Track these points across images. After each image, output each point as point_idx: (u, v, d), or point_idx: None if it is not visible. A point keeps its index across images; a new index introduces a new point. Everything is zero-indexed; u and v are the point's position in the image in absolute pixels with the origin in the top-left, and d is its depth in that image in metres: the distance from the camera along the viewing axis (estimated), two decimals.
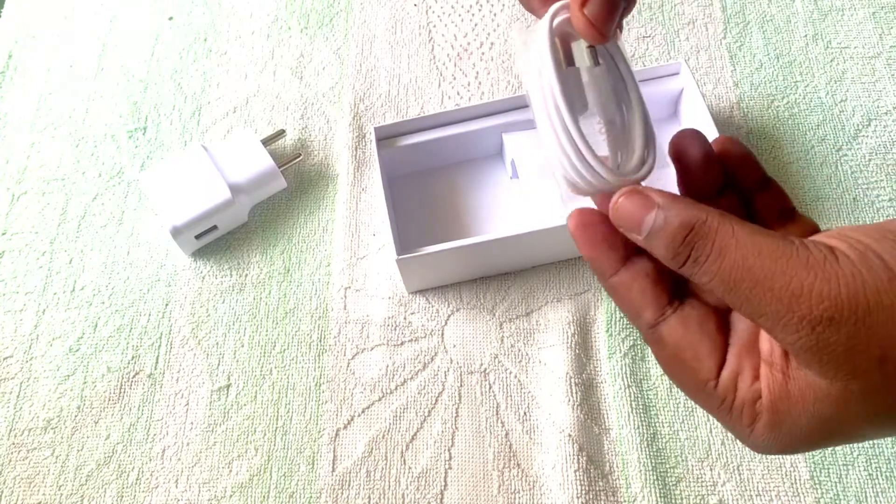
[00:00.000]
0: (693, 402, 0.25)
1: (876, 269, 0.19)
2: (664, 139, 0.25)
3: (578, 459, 0.37)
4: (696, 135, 0.25)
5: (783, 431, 0.21)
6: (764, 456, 0.37)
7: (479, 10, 0.52)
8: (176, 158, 0.43)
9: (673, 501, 0.36)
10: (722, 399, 0.22)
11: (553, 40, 0.23)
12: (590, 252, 0.23)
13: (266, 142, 0.45)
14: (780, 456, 0.37)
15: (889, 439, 0.37)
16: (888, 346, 0.18)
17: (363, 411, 0.39)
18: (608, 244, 0.23)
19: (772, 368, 0.21)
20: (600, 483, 0.36)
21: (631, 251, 0.23)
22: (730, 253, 0.20)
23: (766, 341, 0.22)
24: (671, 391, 0.39)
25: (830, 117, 0.46)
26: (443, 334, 0.41)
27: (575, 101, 0.24)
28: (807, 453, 0.37)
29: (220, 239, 0.45)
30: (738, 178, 0.25)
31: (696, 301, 0.23)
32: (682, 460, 0.37)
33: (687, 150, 0.24)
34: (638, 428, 0.38)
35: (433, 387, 0.39)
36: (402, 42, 0.51)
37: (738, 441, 0.37)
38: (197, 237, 0.43)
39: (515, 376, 0.40)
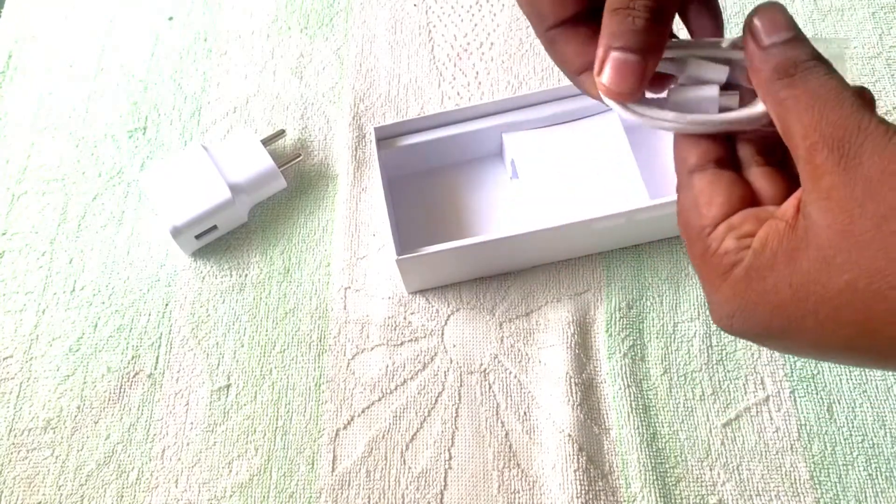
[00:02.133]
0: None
1: None
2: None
3: (578, 459, 0.37)
4: None
5: (757, 279, 0.21)
6: (764, 456, 0.37)
7: (479, 10, 0.52)
8: (176, 158, 0.43)
9: (673, 501, 0.36)
10: (708, 244, 0.23)
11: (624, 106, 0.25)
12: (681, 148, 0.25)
13: (266, 142, 0.45)
14: (781, 456, 0.37)
15: (889, 440, 0.37)
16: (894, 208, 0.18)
17: (363, 411, 0.39)
18: None
19: (778, 221, 0.22)
20: (600, 483, 0.36)
21: None
22: (829, 85, 0.21)
23: (788, 202, 0.22)
24: (670, 391, 0.39)
25: None
26: (443, 334, 0.41)
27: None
28: (805, 452, 0.37)
29: (220, 239, 0.45)
30: None
31: (734, 173, 0.24)
32: (682, 460, 0.37)
33: None
34: (638, 428, 0.38)
35: (433, 387, 0.39)
36: (402, 42, 0.51)
37: (737, 441, 0.37)
38: (197, 237, 0.43)
39: (515, 376, 0.40)
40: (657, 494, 0.36)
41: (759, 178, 0.24)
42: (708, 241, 0.23)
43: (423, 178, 0.45)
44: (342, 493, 0.37)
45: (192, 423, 0.39)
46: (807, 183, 0.21)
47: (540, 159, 0.42)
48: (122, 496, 0.38)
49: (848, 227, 0.19)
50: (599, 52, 0.24)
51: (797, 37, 0.23)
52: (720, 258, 0.23)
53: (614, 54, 0.23)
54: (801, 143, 0.21)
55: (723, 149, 0.25)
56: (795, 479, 0.36)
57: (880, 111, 0.46)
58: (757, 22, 0.23)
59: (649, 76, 0.24)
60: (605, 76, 0.24)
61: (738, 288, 0.22)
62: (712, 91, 0.25)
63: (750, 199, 0.24)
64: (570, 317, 0.40)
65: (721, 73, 0.25)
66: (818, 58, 0.22)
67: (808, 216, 0.20)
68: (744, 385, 0.39)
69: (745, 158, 0.25)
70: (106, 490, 0.38)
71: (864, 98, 0.23)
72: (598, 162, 0.42)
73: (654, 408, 0.38)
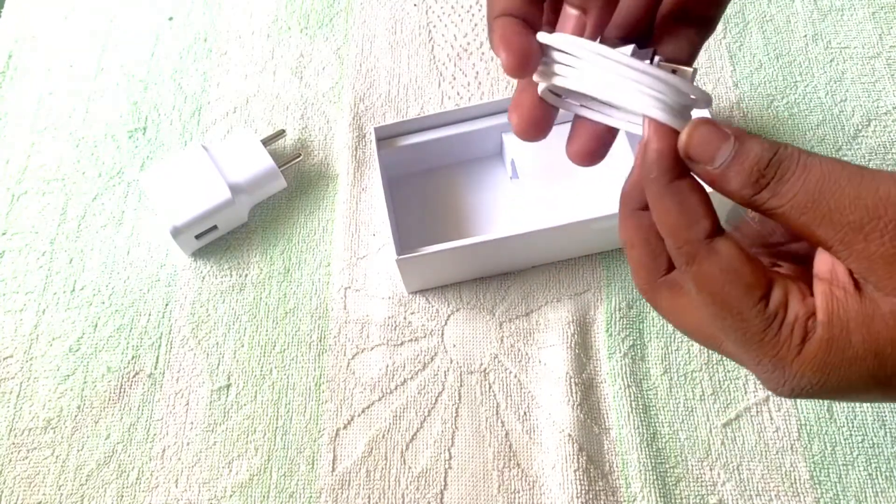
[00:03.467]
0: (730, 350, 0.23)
1: None
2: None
3: (578, 459, 0.37)
4: None
5: (835, 353, 0.21)
6: (764, 456, 0.37)
7: (479, 10, 0.52)
8: (176, 158, 0.43)
9: (673, 501, 0.36)
10: (773, 315, 0.21)
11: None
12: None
13: (266, 142, 0.45)
14: (781, 456, 0.37)
15: (889, 440, 0.37)
16: None
17: (363, 411, 0.39)
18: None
19: (832, 286, 0.21)
20: (600, 483, 0.36)
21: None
22: (815, 170, 0.20)
23: (824, 264, 0.22)
24: (671, 391, 0.39)
25: (830, 117, 0.46)
26: (443, 334, 0.41)
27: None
28: (805, 452, 0.37)
29: (220, 239, 0.45)
30: None
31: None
32: (682, 460, 0.37)
33: None
34: (638, 428, 0.38)
35: (433, 387, 0.39)
36: (402, 42, 0.51)
37: (737, 441, 0.37)
38: (197, 237, 0.43)
39: (515, 376, 0.40)
40: (657, 494, 0.36)
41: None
42: (769, 312, 0.21)
43: (423, 178, 0.45)
44: (342, 493, 0.37)
45: (192, 423, 0.39)
46: (859, 269, 0.20)
47: (540, 159, 0.42)
48: (122, 496, 0.38)
49: None
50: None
51: (739, 136, 0.21)
52: (790, 329, 0.21)
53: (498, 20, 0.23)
54: (829, 239, 0.20)
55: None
56: (795, 479, 0.36)
57: (881, 110, 0.46)
58: (692, 148, 0.22)
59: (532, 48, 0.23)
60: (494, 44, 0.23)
61: (818, 358, 0.21)
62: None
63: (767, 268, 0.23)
64: (570, 317, 0.40)
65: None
66: (777, 149, 0.21)
67: (867, 289, 0.20)
68: (744, 385, 0.39)
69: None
70: (106, 490, 0.38)
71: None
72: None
73: (654, 408, 0.38)
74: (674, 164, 0.22)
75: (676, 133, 0.22)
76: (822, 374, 0.21)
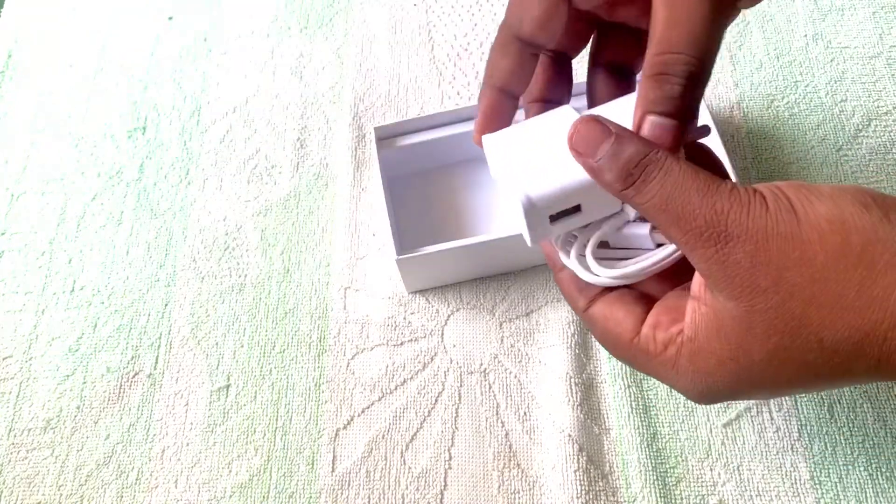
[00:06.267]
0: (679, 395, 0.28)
1: (783, 207, 0.22)
2: None
3: (578, 459, 0.37)
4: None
5: (701, 360, 0.24)
6: (764, 456, 0.37)
7: (479, 9, 0.52)
8: (539, 120, 0.30)
9: (673, 501, 0.36)
10: (646, 348, 0.26)
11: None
12: (549, 251, 0.30)
13: None
14: (781, 456, 0.37)
15: (889, 440, 0.37)
16: (783, 267, 0.21)
17: (363, 411, 0.39)
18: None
19: (698, 302, 0.24)
20: (600, 483, 0.36)
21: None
22: (673, 176, 0.23)
23: (696, 280, 0.24)
24: (671, 391, 0.39)
25: (830, 117, 0.46)
26: (443, 334, 0.41)
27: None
28: (805, 452, 0.37)
29: (219, 239, 0.44)
30: None
31: (618, 290, 0.28)
32: (682, 460, 0.37)
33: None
34: (638, 428, 0.38)
35: (433, 387, 0.39)
36: (402, 42, 0.51)
37: (738, 441, 0.37)
38: (553, 218, 0.28)
39: (515, 376, 0.39)
40: (657, 494, 0.36)
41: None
42: (642, 347, 0.26)
43: (423, 178, 0.45)
44: (342, 494, 0.37)
45: (191, 424, 0.39)
46: (702, 271, 0.23)
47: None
48: (122, 496, 0.38)
49: (749, 308, 0.22)
50: (636, 115, 0.25)
51: (620, 135, 0.24)
52: (663, 351, 0.25)
53: (653, 118, 0.25)
54: (679, 240, 0.23)
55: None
56: (796, 479, 0.36)
57: (881, 110, 0.46)
58: (578, 138, 0.25)
59: (685, 139, 0.25)
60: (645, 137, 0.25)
61: (690, 368, 0.24)
62: (642, 228, 0.27)
63: (639, 295, 0.27)
64: (571, 317, 0.40)
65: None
66: (648, 148, 0.24)
67: (717, 299, 0.23)
68: None
69: None
70: (106, 490, 0.38)
71: (709, 163, 0.27)
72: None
73: (654, 408, 0.38)
74: (557, 264, 0.29)
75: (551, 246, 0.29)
76: (703, 379, 0.24)
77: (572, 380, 0.38)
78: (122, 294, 0.43)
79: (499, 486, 0.37)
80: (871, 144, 0.45)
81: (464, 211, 0.44)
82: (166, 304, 0.43)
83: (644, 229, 0.27)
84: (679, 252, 0.26)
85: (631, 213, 0.27)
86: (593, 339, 0.40)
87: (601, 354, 0.40)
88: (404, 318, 0.41)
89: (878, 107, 0.46)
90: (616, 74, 0.30)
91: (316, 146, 0.47)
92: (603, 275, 0.27)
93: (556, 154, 0.27)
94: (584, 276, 0.27)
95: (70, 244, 0.45)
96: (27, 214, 0.46)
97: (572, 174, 0.26)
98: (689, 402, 0.38)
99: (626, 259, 0.27)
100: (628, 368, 0.39)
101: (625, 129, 0.25)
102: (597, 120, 0.25)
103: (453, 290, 0.42)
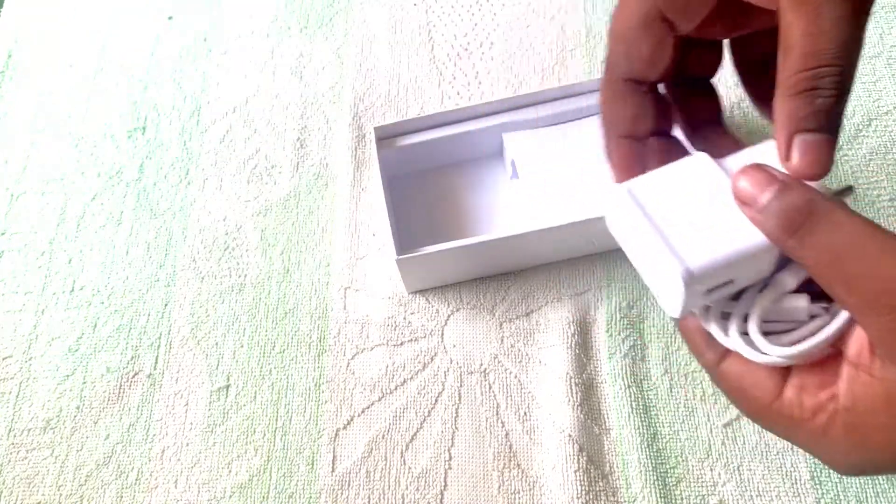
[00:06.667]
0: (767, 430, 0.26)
1: None
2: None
3: (578, 459, 0.37)
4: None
5: (863, 434, 0.22)
6: (764, 456, 0.37)
7: (479, 9, 0.52)
8: (672, 170, 0.26)
9: (673, 502, 0.36)
10: (790, 413, 0.23)
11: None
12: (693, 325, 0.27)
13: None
14: (782, 456, 0.37)
15: None
16: None
17: (363, 411, 0.39)
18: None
19: (858, 369, 0.22)
20: (600, 483, 0.36)
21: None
22: (845, 230, 0.21)
23: (854, 344, 0.22)
24: (671, 391, 0.39)
25: None
26: (443, 334, 0.41)
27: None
28: (807, 456, 0.37)
29: (219, 239, 0.44)
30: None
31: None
32: (683, 460, 0.37)
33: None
34: (638, 428, 0.38)
35: (433, 387, 0.39)
36: (402, 42, 0.51)
37: (738, 441, 0.37)
38: (709, 291, 0.25)
39: (515, 376, 0.39)
40: (658, 495, 0.36)
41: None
42: (785, 412, 0.24)
43: (423, 178, 0.45)
44: (342, 494, 0.37)
45: (191, 424, 0.39)
46: (874, 339, 0.21)
47: (540, 159, 0.42)
48: (122, 496, 0.38)
49: None
50: (781, 137, 0.23)
51: (786, 184, 0.22)
52: (811, 422, 0.23)
53: (805, 137, 0.22)
54: (847, 302, 0.21)
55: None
56: (796, 480, 0.36)
57: (881, 110, 0.46)
58: (742, 185, 0.23)
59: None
60: (797, 161, 0.23)
61: (848, 438, 0.22)
62: (801, 301, 0.24)
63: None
64: (571, 317, 0.40)
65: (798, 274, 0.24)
66: (817, 197, 0.22)
67: (888, 369, 0.21)
68: None
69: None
70: (105, 490, 0.38)
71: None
72: (598, 162, 0.41)
73: (654, 408, 0.38)
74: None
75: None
76: (864, 454, 0.22)
77: (572, 380, 0.38)
78: (121, 294, 0.43)
79: (499, 487, 0.37)
80: (872, 144, 0.45)
81: (464, 211, 0.44)
82: (166, 304, 0.43)
83: (803, 301, 0.24)
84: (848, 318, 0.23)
85: (788, 282, 0.24)
86: (593, 339, 0.40)
87: (601, 354, 0.40)
88: (404, 318, 0.41)
89: (878, 107, 0.46)
90: (697, 86, 0.30)
91: (316, 146, 0.47)
92: (774, 353, 0.24)
93: (705, 215, 0.24)
94: (753, 356, 0.24)
95: (70, 244, 0.45)
96: (27, 214, 0.46)
97: (733, 243, 0.23)
98: (689, 402, 0.38)
99: (776, 333, 0.25)
100: (628, 369, 0.39)
101: (789, 177, 0.23)
102: (761, 168, 0.23)
103: (453, 290, 0.42)
